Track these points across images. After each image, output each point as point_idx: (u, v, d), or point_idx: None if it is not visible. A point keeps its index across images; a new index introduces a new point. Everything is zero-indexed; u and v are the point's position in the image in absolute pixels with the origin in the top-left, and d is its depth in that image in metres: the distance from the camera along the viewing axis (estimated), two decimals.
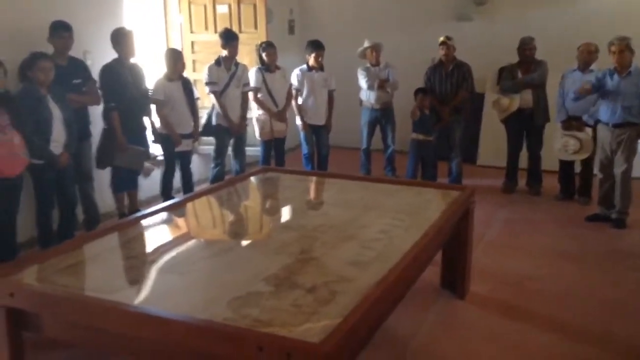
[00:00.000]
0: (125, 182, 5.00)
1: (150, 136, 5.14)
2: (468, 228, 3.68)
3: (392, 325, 3.13)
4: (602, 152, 5.19)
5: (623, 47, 4.88)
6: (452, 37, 6.16)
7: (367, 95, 6.43)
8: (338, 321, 1.99)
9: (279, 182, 4.17)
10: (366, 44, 6.38)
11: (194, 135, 5.33)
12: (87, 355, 3.01)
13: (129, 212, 4.99)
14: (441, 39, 6.13)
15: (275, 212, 3.67)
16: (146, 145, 5.04)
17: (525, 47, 5.93)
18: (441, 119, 6.13)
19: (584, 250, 4.68)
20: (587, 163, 5.74)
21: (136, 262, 2.72)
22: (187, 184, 5.44)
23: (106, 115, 4.69)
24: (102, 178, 4.95)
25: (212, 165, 5.67)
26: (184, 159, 5.37)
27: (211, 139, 5.69)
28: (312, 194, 4.08)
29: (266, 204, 3.85)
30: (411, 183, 4.19)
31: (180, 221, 3.39)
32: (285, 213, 3.54)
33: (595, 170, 5.44)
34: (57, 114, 4.03)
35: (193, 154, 5.50)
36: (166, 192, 5.33)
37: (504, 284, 4.03)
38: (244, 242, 3.12)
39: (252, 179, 4.20)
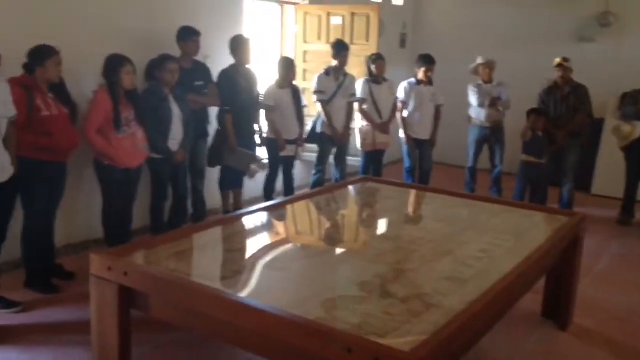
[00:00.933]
0: (232, 181, 5.23)
1: (257, 140, 5.34)
2: (576, 256, 3.49)
3: (487, 349, 3.03)
4: None
5: None
6: (570, 59, 5.87)
7: (477, 113, 6.29)
8: (430, 333, 1.96)
9: (379, 193, 4.18)
10: (479, 60, 6.26)
11: (299, 141, 5.48)
12: (186, 341, 3.19)
13: (233, 209, 5.21)
14: (557, 60, 5.87)
15: (373, 221, 3.68)
16: (254, 148, 5.24)
17: None
18: (554, 142, 5.86)
19: None
20: None
21: (238, 255, 2.85)
22: (289, 188, 5.60)
23: (220, 117, 4.94)
24: (211, 176, 5.21)
25: (313, 172, 5.79)
26: (288, 163, 5.53)
27: (314, 147, 5.82)
28: (411, 207, 4.06)
29: (364, 213, 3.87)
30: (517, 205, 4.03)
31: (281, 222, 3.49)
32: (383, 223, 3.54)
33: None
34: (176, 113, 4.30)
35: (296, 159, 5.65)
36: (268, 194, 5.51)
37: (611, 319, 3.77)
38: (340, 248, 3.15)
39: (352, 187, 4.25)
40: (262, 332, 2.07)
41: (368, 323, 2.07)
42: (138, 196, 4.33)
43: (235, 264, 2.73)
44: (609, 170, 6.73)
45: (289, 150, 5.41)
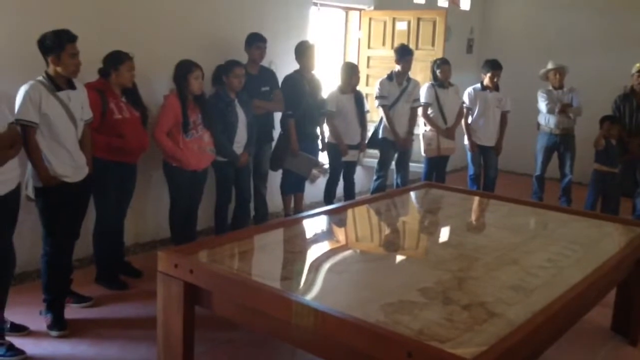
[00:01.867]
0: (293, 185, 5.28)
1: (320, 145, 5.38)
2: None
3: None
4: None
5: None
6: None
7: (546, 120, 6.10)
8: (492, 342, 1.91)
9: (442, 199, 4.11)
10: (550, 65, 6.07)
11: (361, 147, 5.47)
12: (246, 340, 3.24)
13: (294, 213, 5.26)
14: (637, 66, 5.61)
15: (435, 228, 3.63)
16: (316, 153, 5.28)
17: None
18: (629, 151, 5.59)
19: None
20: None
21: (298, 257, 2.88)
22: (349, 193, 5.60)
23: (284, 122, 5.01)
24: (273, 180, 5.28)
25: (375, 177, 5.77)
26: (349, 168, 5.53)
27: (375, 152, 5.79)
28: (475, 214, 3.97)
29: (426, 219, 3.82)
30: (586, 214, 3.87)
31: (341, 226, 3.49)
32: (446, 230, 3.49)
33: None
34: (242, 118, 4.40)
35: (357, 164, 5.64)
36: (329, 199, 5.53)
37: None
38: (401, 253, 3.12)
39: (415, 193, 4.20)
40: (322, 333, 2.08)
41: (429, 329, 2.04)
42: (203, 198, 4.45)
43: (295, 266, 2.75)
44: None
45: (350, 155, 5.41)
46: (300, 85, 4.93)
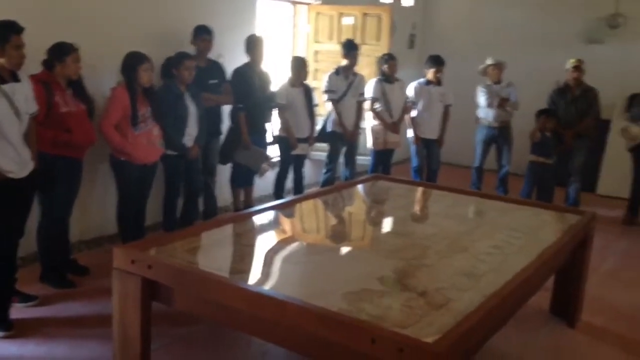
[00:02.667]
0: (243, 179, 5.28)
1: (269, 138, 5.40)
2: (585, 255, 3.55)
3: (497, 344, 3.07)
4: None
5: None
6: (583, 61, 5.93)
7: (485, 113, 6.35)
8: (450, 325, 2.01)
9: (390, 191, 4.23)
10: (489, 61, 6.31)
11: (310, 140, 5.53)
12: (204, 334, 3.25)
13: (244, 206, 5.27)
14: (573, 62, 5.92)
15: (386, 218, 3.73)
16: (265, 146, 5.30)
17: None
18: (562, 143, 5.91)
19: None
20: None
21: (253, 250, 2.90)
22: (299, 186, 5.66)
23: (234, 115, 5.00)
24: (222, 174, 5.26)
25: (324, 170, 5.85)
26: (298, 162, 5.59)
27: (324, 146, 5.87)
28: (423, 204, 4.11)
29: (377, 210, 3.93)
30: (526, 203, 4.08)
31: (293, 219, 3.53)
32: (396, 220, 3.59)
33: None
34: (192, 111, 4.36)
35: (307, 158, 5.70)
36: (278, 192, 5.56)
37: (618, 316, 3.84)
38: (355, 244, 3.20)
39: (364, 185, 4.30)
40: (286, 323, 2.12)
41: (390, 315, 2.12)
42: (151, 193, 4.38)
43: (253, 259, 2.78)
44: (615, 171, 6.79)
45: (300, 149, 5.46)
46: (250, 78, 4.92)
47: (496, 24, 7.95)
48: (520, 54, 7.40)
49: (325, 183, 5.76)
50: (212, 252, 2.87)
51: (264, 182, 5.68)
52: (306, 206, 3.67)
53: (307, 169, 5.92)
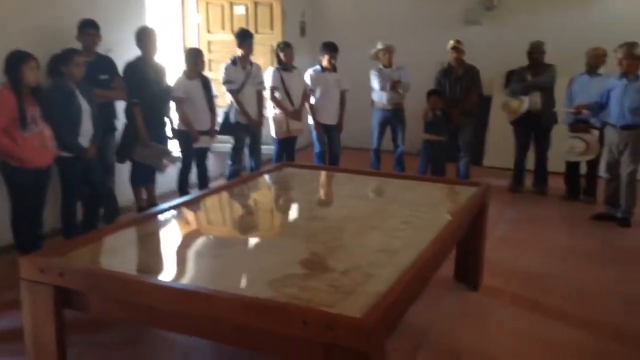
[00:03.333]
0: (144, 177, 5.13)
1: (168, 133, 5.27)
2: (483, 223, 3.82)
3: (410, 312, 3.24)
4: (609, 153, 5.33)
5: (627, 54, 5.03)
6: (462, 42, 6.30)
7: (379, 96, 6.57)
8: (375, 300, 2.11)
9: (298, 177, 4.29)
10: (379, 45, 6.53)
11: (211, 132, 5.46)
12: (122, 338, 3.14)
13: (148, 205, 5.12)
14: (452, 43, 6.27)
15: (297, 204, 3.79)
16: (165, 142, 5.17)
17: (536, 51, 6.07)
18: (451, 121, 6.27)
19: (592, 248, 4.81)
20: (593, 164, 5.90)
21: (169, 249, 2.85)
22: (203, 180, 5.58)
23: (129, 111, 4.82)
24: (121, 172, 5.07)
25: (230, 162, 5.80)
26: (201, 155, 5.50)
27: (226, 138, 5.82)
28: (332, 188, 4.21)
29: (287, 198, 3.98)
30: (426, 179, 4.32)
31: (204, 213, 3.50)
32: (309, 205, 3.66)
33: (602, 171, 5.58)
34: (85, 108, 4.16)
35: (210, 150, 5.63)
36: (183, 187, 5.46)
37: (516, 278, 4.15)
38: (271, 232, 3.24)
39: (271, 174, 4.33)
40: (214, 317, 2.12)
41: (316, 296, 2.18)
42: (47, 198, 4.14)
43: (166, 257, 2.73)
44: (498, 143, 7.31)
45: (202, 142, 5.38)
46: (144, 72, 4.77)
47: (382, 10, 8.23)
48: (407, 37, 7.72)
49: (232, 175, 5.72)
50: (124, 254, 2.79)
51: (167, 178, 5.54)
52: (214, 200, 3.64)
53: (211, 163, 5.85)
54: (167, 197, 5.55)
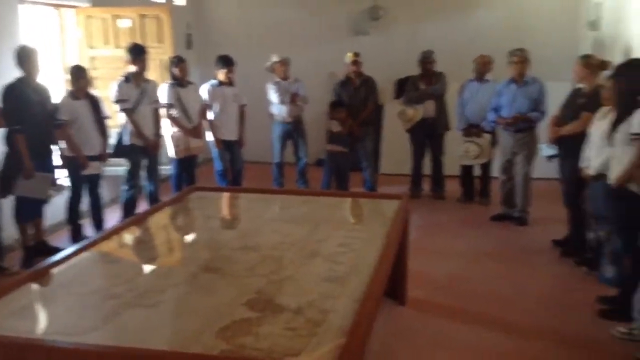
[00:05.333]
0: (30, 211, 4.57)
1: (57, 160, 4.74)
2: (406, 236, 3.80)
3: None
4: (503, 155, 5.61)
5: (522, 59, 5.34)
6: (360, 54, 6.34)
7: (279, 110, 6.44)
8: (341, 341, 1.95)
9: (213, 202, 4.03)
10: (274, 58, 6.40)
11: (103, 157, 4.99)
12: None
13: (35, 242, 4.59)
14: (350, 56, 6.27)
15: (225, 233, 3.52)
16: (52, 171, 4.64)
17: (427, 60, 6.26)
18: (353, 132, 6.28)
19: (497, 248, 5.02)
20: (486, 167, 6.19)
21: (93, 301, 2.43)
22: (96, 209, 5.10)
23: (9, 139, 4.26)
24: (3, 206, 4.46)
25: (125, 187, 5.30)
26: (92, 182, 5.02)
27: (119, 161, 5.34)
28: (256, 212, 3.93)
29: (211, 226, 3.67)
30: (349, 195, 4.25)
31: (127, 251, 3.14)
32: (237, 233, 3.41)
33: (496, 173, 5.86)
34: None
35: (101, 177, 5.13)
36: (73, 218, 4.95)
37: (436, 287, 4.20)
38: (205, 269, 2.82)
39: (183, 201, 4.00)
40: None
41: (277, 344, 1.98)
42: None
43: (97, 311, 2.33)
44: (394, 151, 7.46)
45: (92, 168, 4.90)
46: (25, 94, 4.24)
47: (269, 23, 8.11)
48: (300, 49, 7.65)
49: (128, 201, 5.26)
50: (42, 310, 2.39)
51: (53, 207, 4.95)
52: (126, 238, 3.26)
53: (104, 187, 5.34)
54: (55, 229, 5.03)
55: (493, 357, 3.27)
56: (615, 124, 3.50)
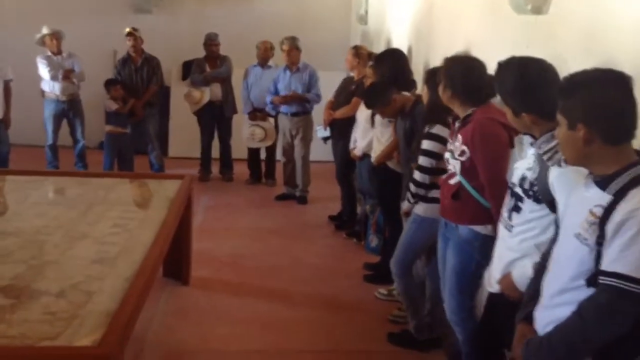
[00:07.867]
0: None
1: None
2: (189, 216, 3.79)
3: None
4: (283, 138, 5.89)
5: (293, 46, 5.62)
6: (139, 29, 6.09)
7: (51, 86, 5.92)
8: (103, 320, 1.89)
9: None
10: (45, 30, 5.86)
11: None
12: None
13: None
14: (127, 30, 6.01)
15: None
16: None
17: (211, 42, 6.27)
18: (134, 113, 6.03)
19: (280, 225, 5.27)
20: (271, 149, 6.43)
21: None
22: None
23: None
24: None
25: None
26: None
27: None
28: (17, 195, 3.54)
29: None
30: (130, 175, 4.07)
31: None
32: None
33: (279, 156, 6.12)
34: None
35: None
36: None
37: (221, 265, 4.28)
38: None
39: None
40: None
41: (32, 330, 1.85)
42: None
43: None
44: (182, 134, 7.33)
45: None
46: None
47: None
48: (78, 24, 7.02)
49: None
50: None
51: None
52: None
53: None
54: None
55: (273, 326, 3.43)
56: None
